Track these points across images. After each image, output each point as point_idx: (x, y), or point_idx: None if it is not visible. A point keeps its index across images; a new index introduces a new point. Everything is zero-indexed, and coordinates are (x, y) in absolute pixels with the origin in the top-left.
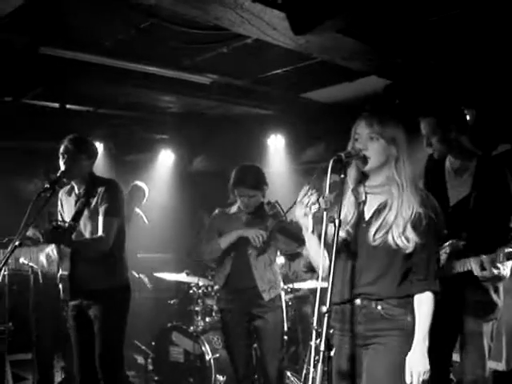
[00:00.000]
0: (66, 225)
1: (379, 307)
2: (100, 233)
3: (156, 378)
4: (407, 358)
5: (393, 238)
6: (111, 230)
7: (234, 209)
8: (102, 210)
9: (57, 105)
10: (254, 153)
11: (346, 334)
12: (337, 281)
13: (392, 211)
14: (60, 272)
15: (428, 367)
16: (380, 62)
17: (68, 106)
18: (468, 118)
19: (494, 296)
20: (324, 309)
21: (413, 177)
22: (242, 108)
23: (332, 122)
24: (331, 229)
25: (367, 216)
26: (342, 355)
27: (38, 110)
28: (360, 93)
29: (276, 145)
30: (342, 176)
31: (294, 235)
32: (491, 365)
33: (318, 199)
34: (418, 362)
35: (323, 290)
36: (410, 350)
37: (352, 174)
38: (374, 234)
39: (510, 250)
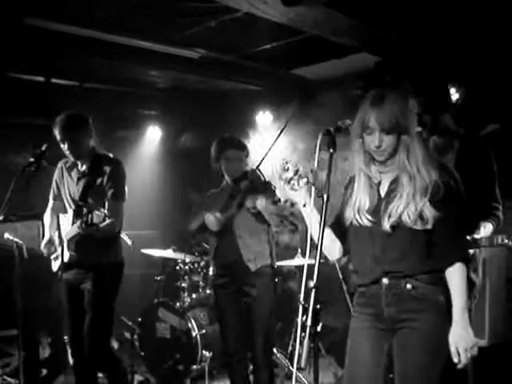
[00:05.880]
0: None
1: (408, 285)
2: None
3: (142, 354)
4: (450, 336)
5: (409, 216)
6: (119, 214)
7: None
8: (109, 193)
9: (42, 78)
10: (241, 130)
11: (371, 317)
12: (361, 263)
13: (406, 186)
14: (66, 252)
15: (474, 341)
16: (371, 37)
17: (53, 80)
18: (458, 96)
19: (473, 275)
20: (311, 284)
21: (426, 152)
22: (230, 84)
23: (321, 100)
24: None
25: (382, 195)
26: (362, 340)
27: (22, 83)
28: (350, 70)
29: (264, 122)
30: (331, 150)
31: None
32: None
33: (296, 172)
34: (461, 337)
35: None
36: (446, 330)
37: (361, 157)
38: (391, 214)
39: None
